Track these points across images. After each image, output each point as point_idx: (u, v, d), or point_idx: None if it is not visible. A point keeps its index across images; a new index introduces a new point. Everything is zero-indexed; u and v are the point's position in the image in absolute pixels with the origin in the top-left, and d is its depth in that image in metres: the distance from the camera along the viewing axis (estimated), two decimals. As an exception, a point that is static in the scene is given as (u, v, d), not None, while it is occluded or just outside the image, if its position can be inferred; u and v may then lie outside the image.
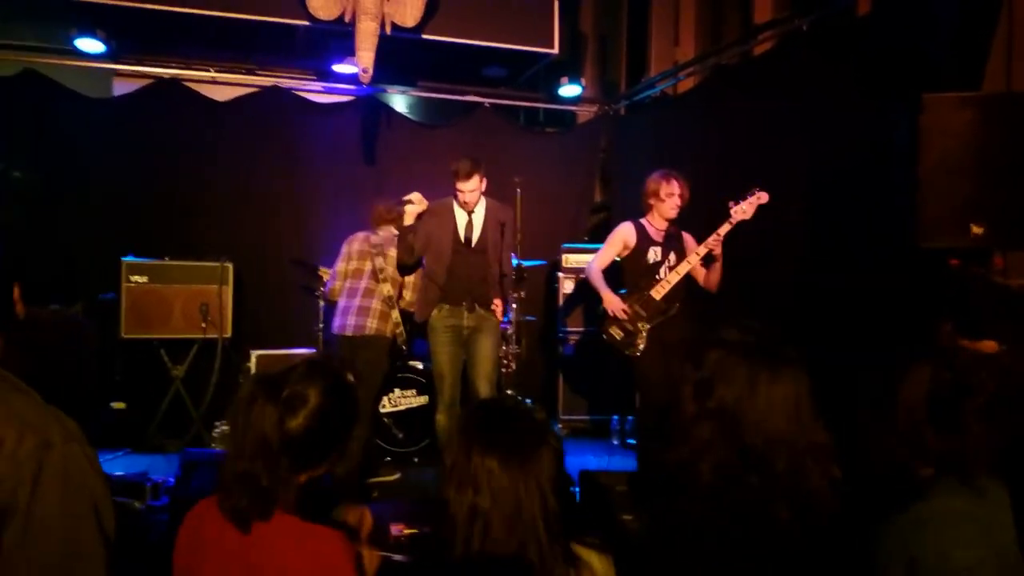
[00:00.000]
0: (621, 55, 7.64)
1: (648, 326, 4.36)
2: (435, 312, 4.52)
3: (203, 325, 5.42)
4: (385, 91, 6.93)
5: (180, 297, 5.46)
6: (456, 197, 4.45)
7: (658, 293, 4.35)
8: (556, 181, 6.86)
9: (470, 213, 4.51)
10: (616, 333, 4.42)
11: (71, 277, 5.64)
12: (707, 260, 4.35)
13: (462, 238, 4.51)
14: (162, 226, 5.91)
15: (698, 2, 6.74)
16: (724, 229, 4.23)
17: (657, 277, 4.40)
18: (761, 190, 4.25)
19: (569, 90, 6.80)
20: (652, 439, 4.44)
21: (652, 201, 4.48)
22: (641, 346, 4.37)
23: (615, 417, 5.97)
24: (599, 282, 4.54)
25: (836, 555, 1.48)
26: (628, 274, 4.56)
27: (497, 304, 4.45)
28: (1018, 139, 3.26)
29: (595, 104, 7.39)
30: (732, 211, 4.23)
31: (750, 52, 5.62)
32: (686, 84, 6.48)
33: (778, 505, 1.44)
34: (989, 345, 2.28)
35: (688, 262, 4.34)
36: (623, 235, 4.56)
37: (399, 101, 7.49)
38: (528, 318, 5.46)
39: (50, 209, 5.73)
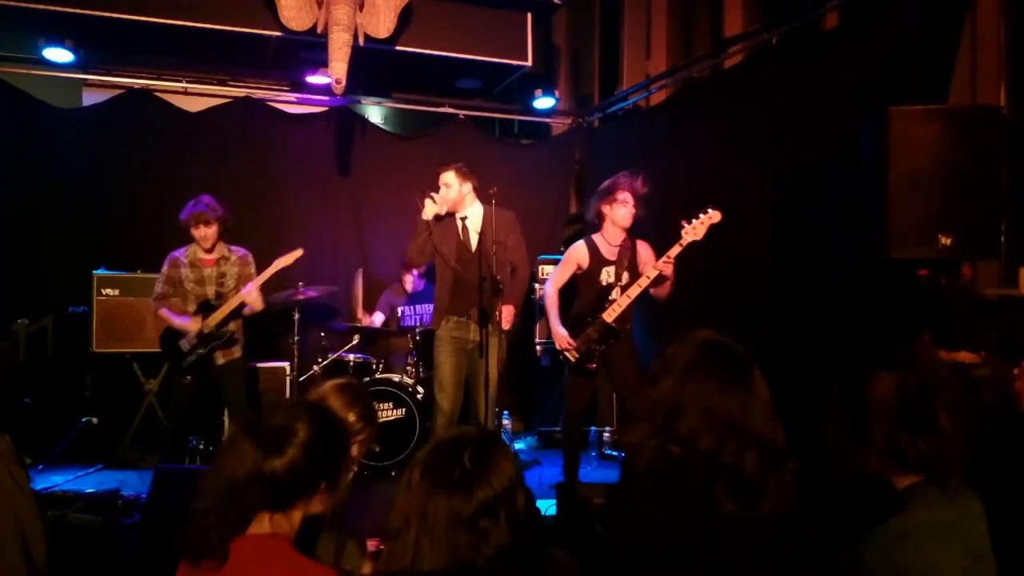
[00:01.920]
0: (594, 68, 7.70)
1: (601, 348, 4.43)
2: (442, 323, 4.57)
3: (176, 339, 5.36)
4: (359, 102, 6.92)
5: (152, 310, 5.38)
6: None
7: (610, 316, 4.39)
8: (531, 192, 6.89)
9: (463, 220, 4.55)
10: (571, 356, 4.48)
11: (41, 290, 5.55)
12: (658, 279, 4.38)
13: (463, 244, 4.55)
14: (134, 238, 5.85)
15: (669, 16, 6.81)
16: (675, 251, 4.29)
17: (610, 298, 4.44)
18: (714, 209, 4.29)
19: (543, 102, 6.84)
20: (574, 444, 4.69)
21: (605, 209, 4.52)
22: (594, 366, 4.46)
23: (592, 429, 5.98)
24: (552, 311, 4.57)
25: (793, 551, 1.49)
26: (581, 295, 4.61)
27: (501, 311, 4.44)
28: (984, 151, 3.34)
29: (569, 116, 7.44)
30: (683, 232, 4.28)
31: (720, 65, 5.69)
32: (658, 96, 6.55)
33: (719, 491, 1.46)
34: (965, 356, 2.30)
35: (639, 285, 4.36)
36: (575, 256, 4.60)
37: (374, 112, 7.49)
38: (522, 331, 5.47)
39: (18, 220, 5.65)
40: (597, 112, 7.27)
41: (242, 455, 1.52)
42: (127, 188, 5.91)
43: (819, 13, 4.72)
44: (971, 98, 3.95)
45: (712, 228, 4.30)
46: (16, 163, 5.68)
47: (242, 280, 4.85)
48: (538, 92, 6.80)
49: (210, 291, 4.80)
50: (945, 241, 3.29)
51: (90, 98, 6.37)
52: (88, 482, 4.79)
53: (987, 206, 3.32)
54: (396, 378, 5.29)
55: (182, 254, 4.86)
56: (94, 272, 5.36)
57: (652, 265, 4.34)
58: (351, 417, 2.25)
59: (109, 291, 5.36)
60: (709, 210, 4.29)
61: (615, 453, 5.87)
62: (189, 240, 4.83)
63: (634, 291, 4.36)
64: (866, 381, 1.68)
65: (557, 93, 7.00)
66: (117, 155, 5.90)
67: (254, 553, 1.53)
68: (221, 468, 1.54)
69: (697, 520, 1.44)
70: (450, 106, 6.90)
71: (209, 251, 4.84)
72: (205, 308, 4.76)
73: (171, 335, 4.77)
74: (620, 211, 4.47)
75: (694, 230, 4.27)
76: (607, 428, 6.02)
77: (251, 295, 4.73)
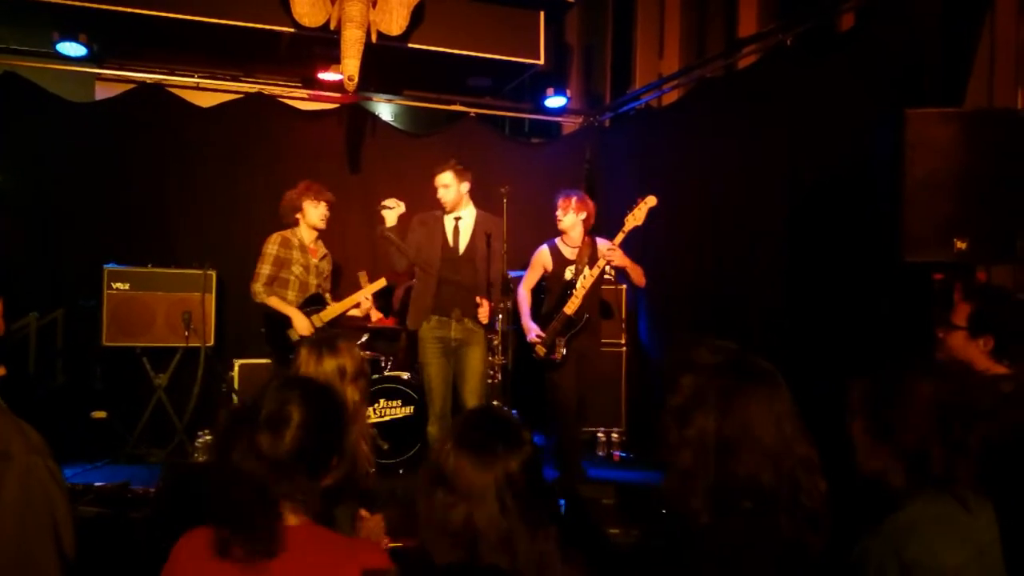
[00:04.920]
0: (606, 67, 7.68)
1: (563, 339, 4.71)
2: (424, 323, 4.64)
3: (186, 333, 5.37)
4: (370, 99, 6.91)
5: (163, 305, 5.41)
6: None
7: (570, 308, 4.69)
8: (541, 191, 6.84)
9: (457, 220, 4.61)
10: (540, 350, 4.78)
11: (52, 283, 5.56)
12: (619, 271, 4.80)
13: (450, 245, 4.59)
14: (145, 233, 5.84)
15: (683, 15, 6.79)
16: (618, 239, 4.62)
17: (569, 293, 4.72)
18: (650, 194, 4.62)
19: (554, 101, 6.82)
20: (571, 445, 4.89)
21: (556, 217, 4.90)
22: (558, 358, 4.73)
23: (600, 429, 5.97)
24: (523, 308, 4.93)
25: (833, 566, 1.50)
26: (550, 293, 4.95)
27: (483, 305, 4.50)
28: (1000, 154, 3.31)
29: (580, 115, 7.42)
30: (625, 220, 4.63)
31: (734, 65, 5.67)
32: (670, 96, 6.53)
33: (781, 524, 1.43)
34: (1004, 368, 2.27)
35: (591, 275, 4.68)
36: (540, 260, 4.99)
37: (384, 109, 7.48)
38: (514, 328, 5.46)
39: (30, 214, 5.65)
40: (609, 111, 7.25)
41: (250, 445, 1.50)
42: (138, 182, 5.90)
43: (835, 14, 4.69)
44: (988, 101, 3.92)
45: (651, 212, 4.61)
46: (28, 156, 5.68)
47: (328, 279, 4.87)
48: (550, 91, 6.78)
49: (312, 282, 4.71)
50: (960, 245, 3.27)
51: (103, 92, 6.38)
52: (97, 475, 4.80)
53: (1003, 210, 3.30)
54: (405, 376, 5.29)
55: (291, 235, 4.68)
56: (105, 266, 5.36)
57: (601, 255, 4.63)
58: (333, 365, 2.26)
59: (119, 285, 5.36)
60: (646, 196, 4.62)
61: (624, 455, 5.88)
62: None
63: (587, 281, 4.69)
64: (900, 384, 1.66)
65: (568, 92, 6.98)
66: (129, 149, 5.90)
67: (295, 545, 1.51)
68: (228, 463, 1.51)
69: (793, 565, 1.41)
70: (461, 104, 6.88)
71: (317, 239, 4.77)
72: (316, 301, 4.67)
73: (279, 323, 4.63)
74: (561, 222, 4.85)
75: (634, 217, 4.61)
76: (615, 429, 6.02)
77: (369, 301, 4.75)
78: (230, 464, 1.50)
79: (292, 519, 1.54)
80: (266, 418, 1.52)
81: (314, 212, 4.68)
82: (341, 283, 5.80)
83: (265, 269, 4.58)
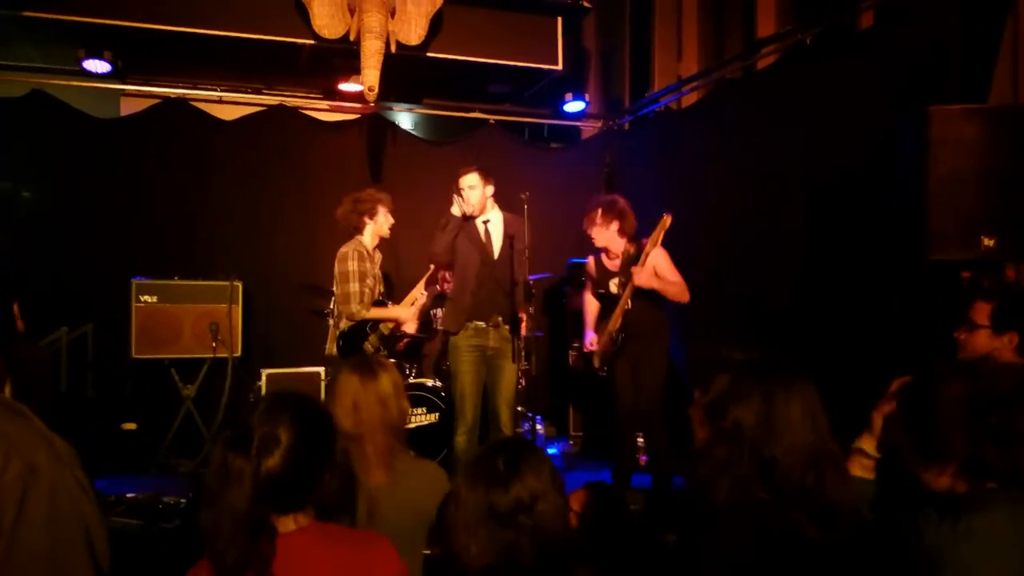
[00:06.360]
0: (624, 70, 7.66)
1: (610, 354, 4.61)
2: (461, 331, 4.54)
3: (213, 344, 5.44)
4: (391, 109, 6.96)
5: (190, 316, 5.48)
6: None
7: (612, 326, 4.55)
8: (562, 196, 6.87)
9: (485, 223, 4.57)
10: (595, 361, 4.72)
11: (81, 297, 5.65)
12: (649, 293, 4.43)
13: (486, 249, 4.57)
14: (171, 245, 5.93)
15: (701, 17, 6.77)
16: (641, 263, 4.37)
17: (613, 308, 4.59)
18: (666, 214, 4.31)
19: (573, 106, 6.83)
20: (628, 445, 4.89)
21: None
22: (602, 373, 4.67)
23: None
24: (585, 315, 4.89)
25: (865, 566, 1.49)
26: (602, 307, 4.80)
27: (522, 318, 4.47)
28: (1026, 151, 3.27)
29: (599, 119, 7.42)
30: (644, 244, 4.38)
31: (753, 66, 5.64)
32: (690, 99, 6.51)
33: (802, 518, 1.45)
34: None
35: (625, 295, 4.46)
36: (589, 271, 4.86)
37: (405, 119, 7.53)
38: (537, 334, 5.46)
39: (59, 229, 5.75)
40: (628, 115, 7.24)
41: (239, 470, 1.53)
42: (164, 195, 5.99)
43: (854, 13, 4.66)
44: (1013, 97, 3.88)
45: (667, 231, 4.35)
46: (55, 172, 5.78)
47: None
48: (568, 96, 6.79)
49: (377, 290, 4.65)
50: (988, 242, 3.24)
51: (127, 108, 6.49)
52: (128, 487, 4.85)
53: (1030, 206, 3.26)
54: (429, 383, 5.30)
55: (361, 247, 4.57)
56: (133, 279, 5.44)
57: (628, 284, 4.42)
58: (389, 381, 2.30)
59: (147, 298, 5.44)
60: (663, 215, 4.33)
61: (648, 458, 5.84)
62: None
63: (623, 301, 4.49)
64: (933, 392, 1.64)
65: (587, 96, 6.99)
66: (154, 163, 5.99)
67: (305, 546, 1.55)
68: (220, 490, 1.53)
69: (785, 551, 1.43)
70: (480, 111, 6.91)
71: (376, 247, 4.69)
72: (378, 306, 4.65)
73: (354, 337, 4.53)
74: (596, 241, 4.66)
75: (653, 239, 4.34)
76: (638, 433, 5.99)
77: (425, 296, 4.73)
78: (219, 497, 1.53)
79: (291, 525, 1.58)
80: (258, 442, 1.55)
81: (385, 221, 4.66)
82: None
83: (356, 287, 4.45)
